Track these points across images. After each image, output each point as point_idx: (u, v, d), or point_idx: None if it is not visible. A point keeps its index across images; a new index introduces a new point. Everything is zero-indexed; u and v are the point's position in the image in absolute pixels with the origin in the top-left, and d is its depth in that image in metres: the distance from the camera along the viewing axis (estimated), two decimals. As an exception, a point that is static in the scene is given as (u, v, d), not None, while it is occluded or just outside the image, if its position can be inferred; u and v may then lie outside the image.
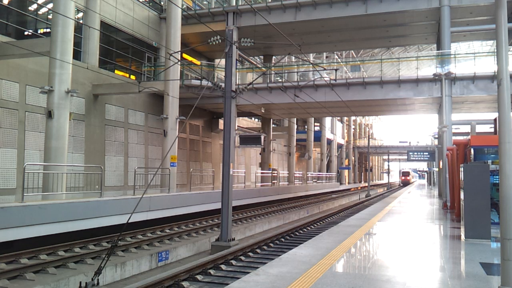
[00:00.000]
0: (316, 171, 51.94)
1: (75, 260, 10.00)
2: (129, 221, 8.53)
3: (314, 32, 26.20)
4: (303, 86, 23.66)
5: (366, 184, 56.82)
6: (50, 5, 17.89)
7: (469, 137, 20.03)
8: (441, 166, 23.86)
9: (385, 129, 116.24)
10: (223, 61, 13.07)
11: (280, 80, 26.44)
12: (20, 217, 10.03)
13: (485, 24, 23.63)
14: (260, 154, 34.82)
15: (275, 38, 26.47)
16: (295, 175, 37.25)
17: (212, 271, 9.45)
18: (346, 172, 63.95)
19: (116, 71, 23.32)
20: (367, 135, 68.65)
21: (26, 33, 18.81)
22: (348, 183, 63.78)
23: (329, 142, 55.10)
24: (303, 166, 51.06)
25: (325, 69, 23.92)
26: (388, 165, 64.87)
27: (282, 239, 14.42)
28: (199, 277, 8.96)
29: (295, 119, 39.92)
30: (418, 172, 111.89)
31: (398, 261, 7.26)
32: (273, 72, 28.05)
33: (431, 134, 56.92)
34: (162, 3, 27.14)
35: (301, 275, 6.07)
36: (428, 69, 27.31)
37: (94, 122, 20.37)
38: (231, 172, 12.85)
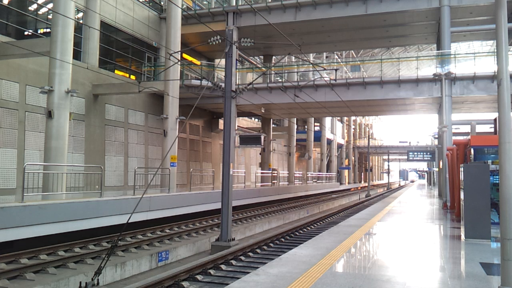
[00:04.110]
0: (316, 171, 51.94)
1: (75, 260, 10.00)
2: (129, 221, 8.53)
3: (314, 32, 26.19)
4: (303, 86, 23.66)
5: (366, 184, 56.84)
6: (50, 5, 17.89)
7: (469, 137, 20.03)
8: (441, 166, 23.86)
9: (385, 129, 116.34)
10: (223, 61, 13.08)
11: (280, 80, 26.44)
12: (20, 217, 10.03)
13: (485, 24, 23.63)
14: (260, 154, 34.82)
15: (275, 38, 26.46)
16: (295, 175, 37.25)
17: (212, 271, 9.45)
18: (346, 172, 63.96)
19: (116, 71, 23.32)
20: (367, 135, 68.66)
21: (26, 33, 18.80)
22: (348, 183, 63.78)
23: (329, 142, 55.11)
24: (303, 166, 51.06)
25: (325, 69, 23.94)
26: (388, 165, 64.88)
27: (282, 239, 14.41)
28: (199, 277, 8.97)
29: (295, 119, 39.92)
30: (418, 172, 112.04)
31: (398, 261, 7.26)
32: (273, 72, 28.04)
33: (431, 134, 56.92)
34: (162, 3, 27.14)
35: (301, 275, 6.07)
36: (428, 69, 27.31)
37: (94, 122, 20.38)
38: (231, 172, 12.85)
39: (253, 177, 37.90)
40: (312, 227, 18.13)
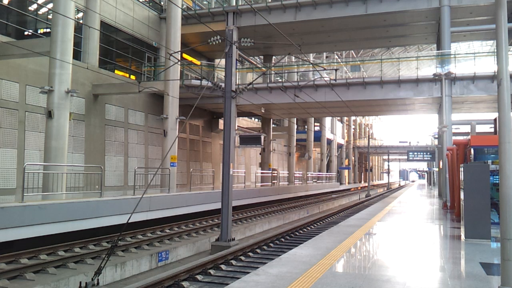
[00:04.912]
0: (316, 171, 51.94)
1: (75, 260, 10.00)
2: (129, 221, 8.53)
3: (314, 32, 26.19)
4: (303, 86, 23.66)
5: (366, 184, 56.83)
6: (50, 5, 17.89)
7: (469, 137, 20.03)
8: (441, 166, 23.86)
9: (385, 129, 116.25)
10: (223, 61, 13.07)
11: (280, 80, 26.43)
12: (20, 217, 10.03)
13: (485, 24, 23.63)
14: (260, 154, 34.82)
15: (275, 38, 26.46)
16: (295, 175, 37.25)
17: (212, 271, 9.45)
18: (346, 172, 63.95)
19: (116, 71, 23.32)
20: (367, 135, 68.67)
21: (26, 33, 18.81)
22: (348, 183, 63.77)
23: (329, 142, 55.10)
24: (303, 166, 51.06)
25: (325, 69, 23.93)
26: (388, 165, 64.88)
27: (282, 239, 14.41)
28: (199, 277, 8.96)
29: (295, 119, 39.92)
30: (418, 172, 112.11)
31: (398, 261, 7.27)
32: (273, 72, 28.04)
33: (431, 134, 56.92)
34: (162, 3, 27.14)
35: (301, 275, 6.07)
36: (428, 69, 27.32)
37: (94, 122, 20.38)
38: (231, 172, 12.85)
39: (253, 177, 37.90)
40: (312, 227, 18.12)
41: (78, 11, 20.41)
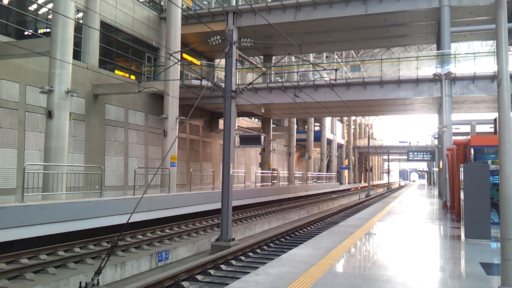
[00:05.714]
0: (316, 171, 51.93)
1: (75, 260, 10.00)
2: (129, 221, 8.52)
3: (314, 32, 26.19)
4: (303, 86, 23.66)
5: (366, 184, 56.82)
6: (50, 5, 17.89)
7: (469, 137, 20.02)
8: (441, 166, 23.86)
9: (385, 129, 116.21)
10: (223, 61, 13.08)
11: (280, 80, 26.44)
12: (20, 217, 10.03)
13: (485, 24, 23.62)
14: (260, 154, 34.81)
15: (275, 38, 26.46)
16: (295, 175, 37.24)
17: (212, 271, 9.45)
18: (346, 172, 63.95)
19: (116, 71, 23.31)
20: (367, 135, 68.66)
21: (26, 33, 18.80)
22: (348, 183, 63.77)
23: (329, 142, 55.10)
24: (303, 166, 51.05)
25: (325, 69, 23.94)
26: (388, 165, 64.87)
27: (282, 239, 14.41)
28: (199, 277, 8.96)
29: (295, 119, 39.92)
30: (418, 172, 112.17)
31: (398, 261, 7.27)
32: (273, 72, 28.04)
33: (431, 134, 56.91)
34: (162, 3, 27.14)
35: (301, 275, 6.07)
36: (428, 69, 27.31)
37: (94, 122, 20.37)
38: (231, 172, 12.86)
39: (253, 177, 37.89)
40: (312, 227, 18.13)
41: (78, 11, 20.41)
